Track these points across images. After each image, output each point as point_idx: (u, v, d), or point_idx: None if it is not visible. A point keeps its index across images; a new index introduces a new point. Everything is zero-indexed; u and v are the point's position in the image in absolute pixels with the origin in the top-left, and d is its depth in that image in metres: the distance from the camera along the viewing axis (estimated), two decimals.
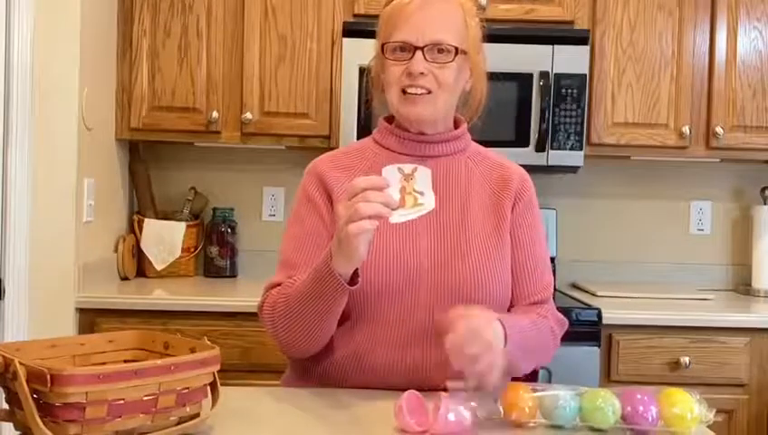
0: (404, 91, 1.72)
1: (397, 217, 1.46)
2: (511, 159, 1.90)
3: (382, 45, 1.74)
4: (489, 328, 1.47)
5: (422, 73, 1.69)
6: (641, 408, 1.44)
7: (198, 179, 3.59)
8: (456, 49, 1.71)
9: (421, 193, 1.48)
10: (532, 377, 1.78)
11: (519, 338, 1.57)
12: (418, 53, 1.68)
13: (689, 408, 1.45)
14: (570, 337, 1.90)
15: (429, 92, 1.71)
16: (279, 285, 1.72)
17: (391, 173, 1.50)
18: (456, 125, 1.85)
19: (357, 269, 1.54)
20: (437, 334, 1.54)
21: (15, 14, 2.57)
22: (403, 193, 1.47)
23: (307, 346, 1.67)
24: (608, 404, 1.46)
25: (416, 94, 1.71)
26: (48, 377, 1.21)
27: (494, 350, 1.44)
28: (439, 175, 1.76)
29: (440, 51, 1.69)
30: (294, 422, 1.51)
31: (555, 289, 2.77)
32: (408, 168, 1.50)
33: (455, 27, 1.71)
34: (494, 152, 1.89)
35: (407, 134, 1.79)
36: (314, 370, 1.76)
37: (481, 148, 1.90)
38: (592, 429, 1.48)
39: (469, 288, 1.68)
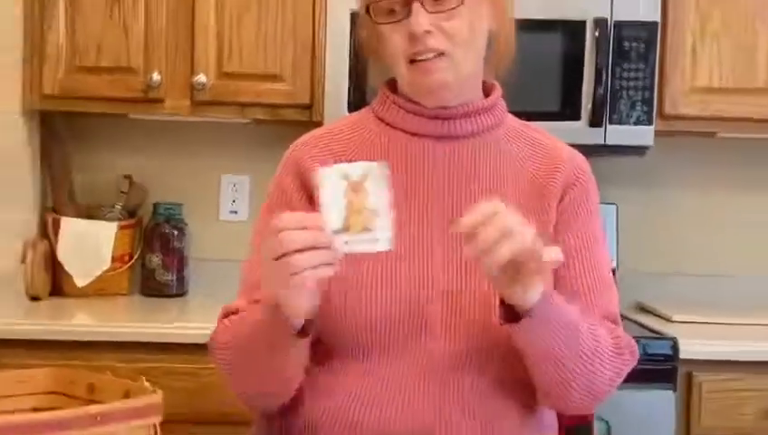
0: (412, 61, 1.68)
1: (340, 245, 1.42)
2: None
3: (367, 6, 1.72)
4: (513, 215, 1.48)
5: (427, 32, 1.65)
6: None
7: (135, 165, 3.45)
8: None
9: (374, 212, 1.41)
10: (586, 431, 1.80)
11: (558, 315, 1.55)
12: (415, 5, 1.65)
13: None
14: (635, 377, 1.82)
15: (442, 54, 1.66)
16: (238, 311, 1.71)
17: (331, 179, 1.43)
18: (488, 92, 1.81)
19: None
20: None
21: None
22: (350, 211, 1.41)
23: (264, 401, 1.70)
24: None
25: (426, 60, 1.67)
26: None
27: (509, 216, 1.43)
28: (465, 162, 1.76)
29: None
30: None
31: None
32: (355, 171, 1.43)
33: None
34: (537, 127, 1.87)
35: (419, 110, 1.76)
36: (288, 429, 1.71)
37: (519, 122, 1.86)
38: None
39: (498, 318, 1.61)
